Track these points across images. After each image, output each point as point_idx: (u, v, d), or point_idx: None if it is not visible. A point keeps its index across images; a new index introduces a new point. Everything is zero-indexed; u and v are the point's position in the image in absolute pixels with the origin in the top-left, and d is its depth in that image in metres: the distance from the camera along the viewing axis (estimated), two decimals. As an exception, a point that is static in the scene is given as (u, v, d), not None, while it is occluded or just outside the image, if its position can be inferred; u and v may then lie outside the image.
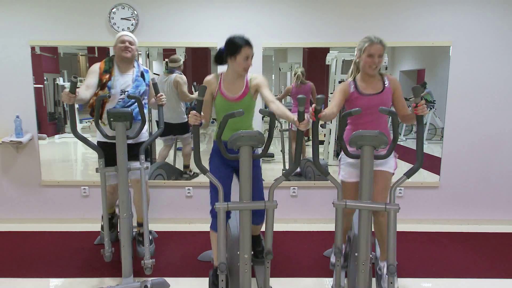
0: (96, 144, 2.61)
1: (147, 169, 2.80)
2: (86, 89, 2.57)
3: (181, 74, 3.73)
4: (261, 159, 2.46)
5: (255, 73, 2.42)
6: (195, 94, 3.80)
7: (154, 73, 3.62)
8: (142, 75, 2.76)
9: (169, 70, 3.72)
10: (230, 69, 2.35)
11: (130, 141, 2.63)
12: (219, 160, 2.41)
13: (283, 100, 4.12)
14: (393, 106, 2.42)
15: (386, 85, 2.34)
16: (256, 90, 2.37)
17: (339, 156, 2.50)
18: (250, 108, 2.41)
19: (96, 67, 2.69)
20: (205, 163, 2.03)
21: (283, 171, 2.25)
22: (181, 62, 3.72)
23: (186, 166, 3.91)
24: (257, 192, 2.35)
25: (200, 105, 1.89)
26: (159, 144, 3.97)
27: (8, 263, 2.85)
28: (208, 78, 2.40)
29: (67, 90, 2.26)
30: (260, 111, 2.18)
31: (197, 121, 1.93)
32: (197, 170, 3.92)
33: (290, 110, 2.23)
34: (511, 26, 3.41)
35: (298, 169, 4.06)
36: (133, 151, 2.65)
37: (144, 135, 2.81)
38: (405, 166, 4.20)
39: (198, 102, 1.88)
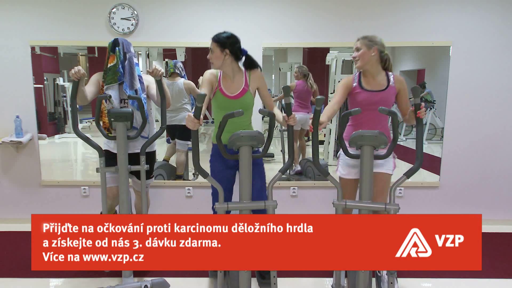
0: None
1: (152, 179, 2.82)
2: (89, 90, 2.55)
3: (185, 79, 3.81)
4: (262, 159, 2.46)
5: (254, 69, 2.43)
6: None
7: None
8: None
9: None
10: None
11: (133, 151, 2.63)
12: (220, 163, 2.40)
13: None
14: (397, 106, 2.42)
15: (391, 84, 2.33)
16: (257, 88, 2.42)
17: (338, 153, 2.50)
18: (249, 106, 2.40)
19: (100, 76, 2.65)
20: (204, 163, 2.02)
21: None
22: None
23: (179, 176, 3.86)
24: (258, 191, 2.33)
25: (199, 111, 1.86)
26: (160, 144, 3.97)
27: (8, 263, 2.86)
28: (208, 73, 2.37)
29: (79, 66, 2.28)
30: (260, 111, 2.17)
31: (195, 127, 1.91)
32: (189, 177, 3.93)
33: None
34: (511, 26, 3.41)
35: (299, 168, 4.06)
36: (137, 161, 2.61)
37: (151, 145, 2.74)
38: (405, 166, 4.18)
39: (196, 109, 1.85)
